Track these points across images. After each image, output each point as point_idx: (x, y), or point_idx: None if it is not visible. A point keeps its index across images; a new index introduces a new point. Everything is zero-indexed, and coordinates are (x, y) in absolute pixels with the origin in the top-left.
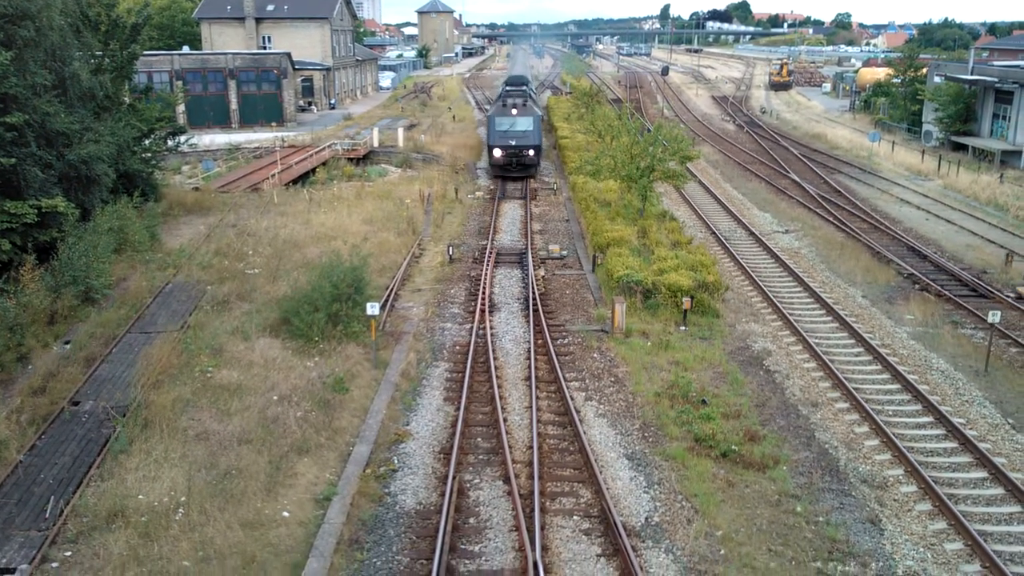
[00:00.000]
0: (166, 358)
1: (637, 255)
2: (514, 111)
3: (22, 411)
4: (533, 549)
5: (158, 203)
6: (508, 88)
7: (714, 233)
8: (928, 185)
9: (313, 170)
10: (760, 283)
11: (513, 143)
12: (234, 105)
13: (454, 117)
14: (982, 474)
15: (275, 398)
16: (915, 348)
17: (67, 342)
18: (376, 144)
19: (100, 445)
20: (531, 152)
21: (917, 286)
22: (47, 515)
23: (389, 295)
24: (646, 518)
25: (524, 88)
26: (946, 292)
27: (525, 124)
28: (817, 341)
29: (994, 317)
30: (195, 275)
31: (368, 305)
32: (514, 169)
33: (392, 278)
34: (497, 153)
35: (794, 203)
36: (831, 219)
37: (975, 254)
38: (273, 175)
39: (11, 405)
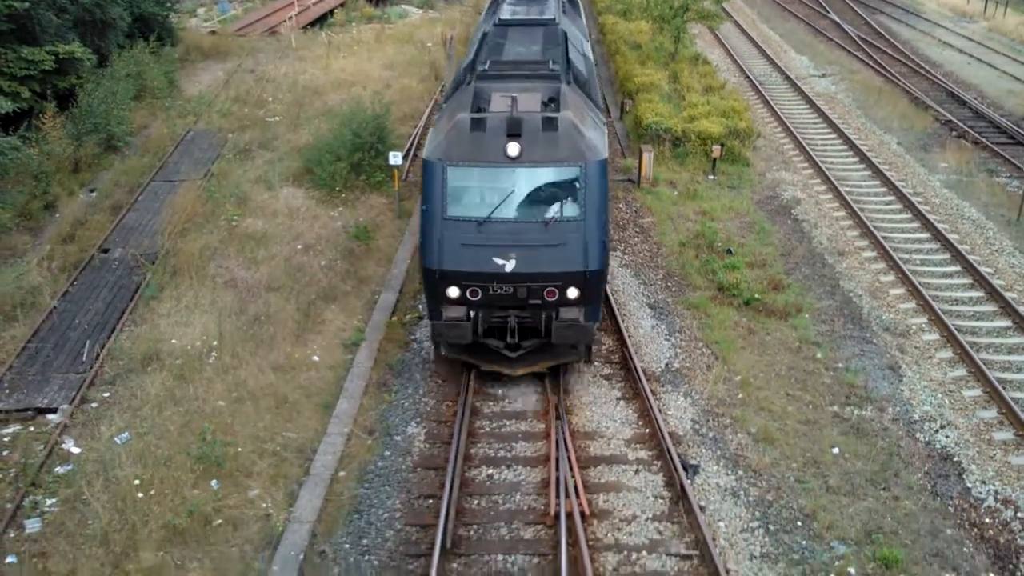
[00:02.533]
0: (191, 206)
1: (667, 101)
2: (513, 150)
3: (52, 258)
4: (556, 393)
5: (175, 48)
6: (504, 19)
7: (748, 77)
8: (972, 27)
9: (331, 11)
10: (793, 130)
11: (506, 267)
12: None
13: None
14: (1006, 323)
15: (300, 247)
16: (947, 197)
17: (92, 190)
18: None
19: (131, 291)
20: (572, 295)
21: (954, 133)
22: (84, 358)
23: (412, 144)
24: (666, 364)
25: (552, 22)
26: (983, 139)
27: (553, 187)
28: (848, 190)
29: None
30: (216, 123)
31: (391, 154)
32: (508, 354)
33: (415, 126)
34: (453, 294)
35: (833, 45)
36: (870, 62)
37: (1016, 100)
38: (290, 17)
39: (41, 252)
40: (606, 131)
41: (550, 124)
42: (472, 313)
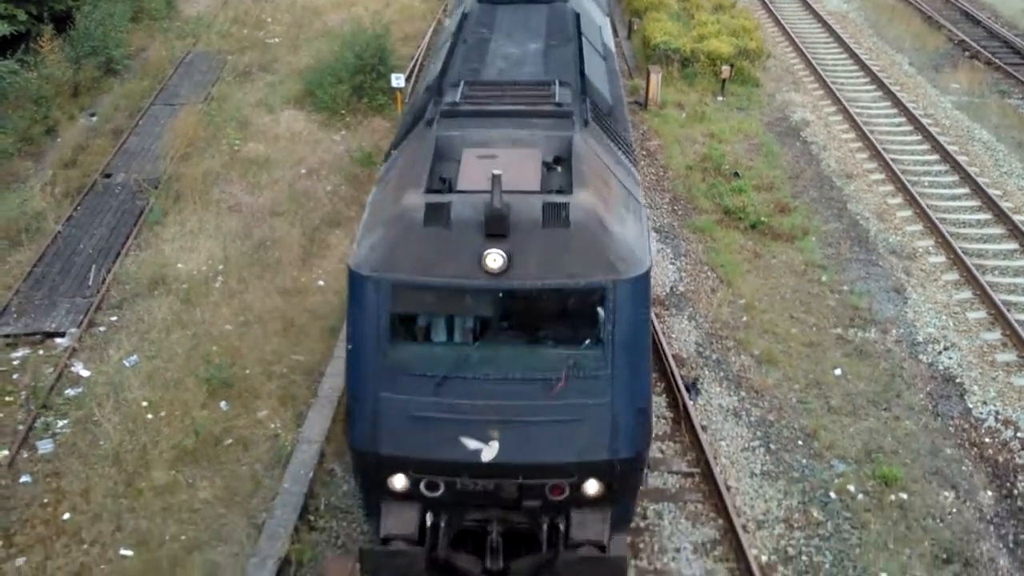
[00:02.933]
0: (192, 130)
1: (676, 20)
2: (495, 261)
3: (55, 183)
4: None
5: None
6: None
7: None
8: None
9: None
10: (804, 50)
11: (483, 454)
12: None
13: None
14: (1013, 246)
15: (303, 172)
16: (958, 118)
17: (92, 114)
18: None
19: (135, 216)
20: (592, 491)
21: (967, 53)
22: (90, 283)
23: (414, 66)
24: (671, 288)
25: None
26: (996, 60)
27: (562, 322)
28: (858, 111)
29: None
30: (215, 44)
31: (393, 76)
32: None
33: (417, 47)
34: (398, 484)
35: None
36: None
37: None
38: None
39: (44, 178)
40: (643, 201)
41: (557, 216)
42: (430, 517)
